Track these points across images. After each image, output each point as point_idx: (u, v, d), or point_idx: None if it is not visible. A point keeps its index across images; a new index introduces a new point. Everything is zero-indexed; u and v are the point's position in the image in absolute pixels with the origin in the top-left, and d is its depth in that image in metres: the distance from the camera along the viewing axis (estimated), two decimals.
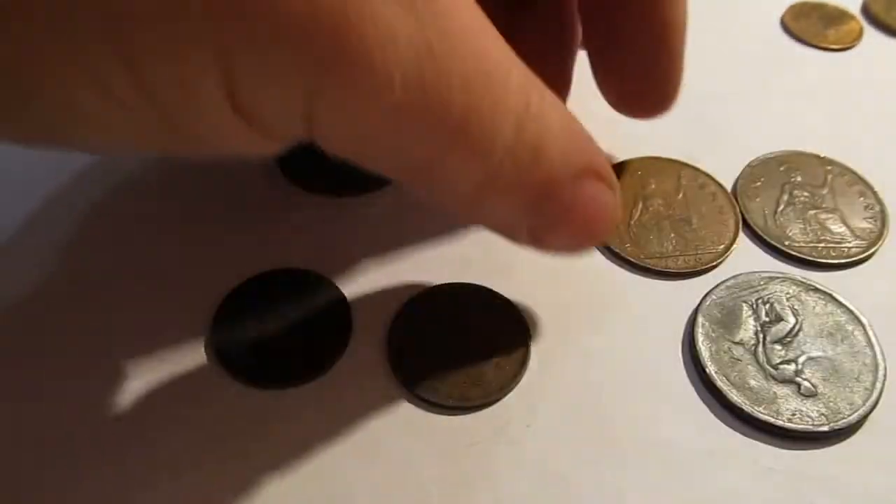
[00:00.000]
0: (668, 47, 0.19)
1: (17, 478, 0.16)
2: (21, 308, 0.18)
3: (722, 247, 0.20)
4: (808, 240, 0.20)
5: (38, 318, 0.18)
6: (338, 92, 0.11)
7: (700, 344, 0.18)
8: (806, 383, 0.17)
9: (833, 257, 0.20)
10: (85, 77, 0.10)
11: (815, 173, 0.22)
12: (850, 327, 0.18)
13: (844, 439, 0.16)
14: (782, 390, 0.17)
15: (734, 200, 0.21)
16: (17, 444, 0.16)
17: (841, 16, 0.29)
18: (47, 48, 0.10)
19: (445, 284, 0.19)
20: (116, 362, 0.17)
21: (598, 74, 0.21)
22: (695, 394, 0.17)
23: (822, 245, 0.20)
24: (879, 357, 0.17)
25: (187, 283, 0.19)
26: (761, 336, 0.18)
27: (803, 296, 0.19)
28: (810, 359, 0.17)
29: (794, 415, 0.16)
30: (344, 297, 0.19)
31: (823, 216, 0.21)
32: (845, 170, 0.22)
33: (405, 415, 0.17)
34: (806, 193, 0.21)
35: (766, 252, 0.20)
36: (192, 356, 0.18)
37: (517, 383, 0.17)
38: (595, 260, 0.20)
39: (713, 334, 0.18)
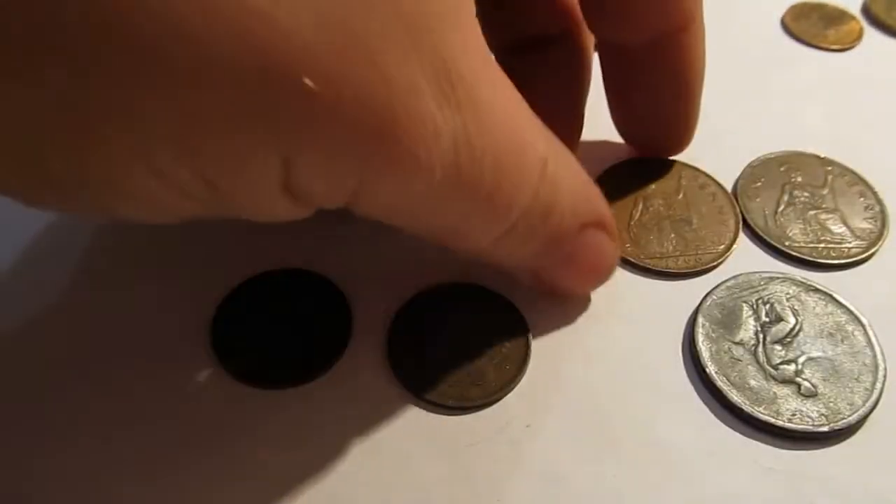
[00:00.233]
0: (686, 94, 0.20)
1: (17, 477, 0.16)
2: (21, 307, 0.18)
3: (722, 247, 0.20)
4: (808, 240, 0.20)
5: (39, 317, 0.18)
6: (385, 179, 0.12)
7: (700, 344, 0.18)
8: (806, 383, 0.17)
9: (833, 257, 0.20)
10: (149, 169, 0.11)
11: (816, 173, 0.22)
12: (850, 327, 0.18)
13: (844, 439, 0.16)
14: (782, 390, 0.17)
15: (734, 201, 0.21)
16: (16, 444, 0.16)
17: (841, 16, 0.29)
18: (118, 144, 0.10)
19: (445, 284, 0.19)
20: (116, 362, 0.17)
21: (616, 116, 0.22)
22: (695, 394, 0.17)
23: (822, 245, 0.20)
24: (879, 357, 0.17)
25: (187, 283, 0.19)
26: (761, 336, 0.18)
27: (803, 296, 0.19)
28: (810, 359, 0.17)
29: (794, 415, 0.16)
30: (344, 297, 0.19)
31: (823, 216, 0.21)
32: (845, 170, 0.22)
33: (405, 415, 0.17)
34: (806, 194, 0.21)
35: (767, 252, 0.20)
36: (192, 356, 0.18)
37: (517, 383, 0.17)
38: None
39: (713, 334, 0.18)
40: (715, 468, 0.16)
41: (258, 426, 0.16)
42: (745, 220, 0.21)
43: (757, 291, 0.19)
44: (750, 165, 0.22)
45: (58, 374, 0.17)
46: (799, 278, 0.19)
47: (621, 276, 0.20)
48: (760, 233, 0.20)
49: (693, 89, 0.20)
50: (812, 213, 0.21)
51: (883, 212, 0.21)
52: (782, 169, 0.22)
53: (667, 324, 0.18)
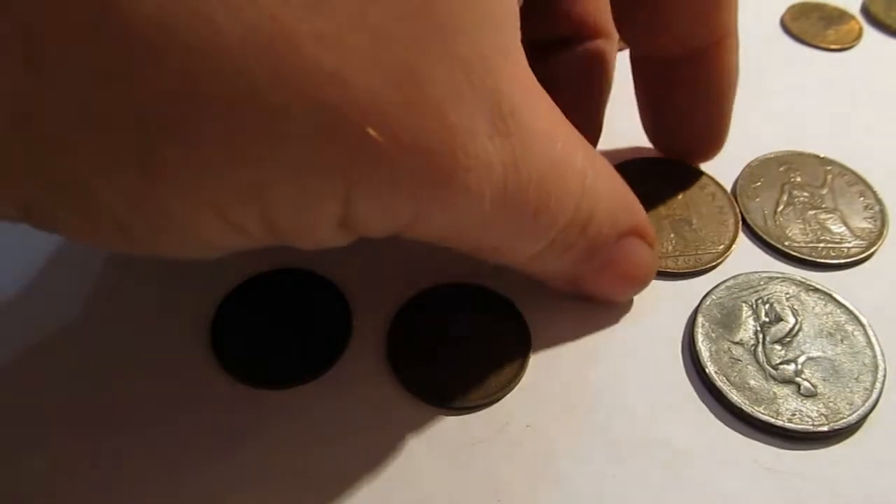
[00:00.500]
0: (719, 105, 0.20)
1: (18, 477, 0.16)
2: (21, 307, 0.18)
3: (722, 247, 0.20)
4: (807, 240, 0.20)
5: (39, 317, 0.18)
6: (437, 211, 0.13)
7: (700, 344, 0.18)
8: (806, 383, 0.17)
9: (833, 257, 0.20)
10: (217, 216, 0.11)
11: (815, 173, 0.22)
12: (849, 327, 0.18)
13: (844, 439, 0.16)
14: (782, 390, 0.17)
15: (734, 200, 0.21)
16: (16, 444, 0.16)
17: (841, 16, 0.29)
18: (191, 196, 0.11)
19: (445, 284, 0.19)
20: (116, 361, 0.17)
21: (648, 124, 0.22)
22: (695, 394, 0.17)
23: (822, 245, 0.20)
24: (879, 357, 0.17)
25: (187, 283, 0.19)
26: (761, 336, 0.18)
27: (803, 296, 0.19)
28: (810, 359, 0.17)
29: (794, 415, 0.16)
30: (344, 297, 0.19)
31: (823, 216, 0.21)
32: (845, 169, 0.22)
33: (405, 415, 0.17)
34: (806, 193, 0.21)
35: (766, 252, 0.20)
36: (192, 356, 0.18)
37: (517, 383, 0.17)
38: None
39: (713, 334, 0.18)
40: (715, 468, 0.16)
41: (258, 426, 0.16)
42: (744, 220, 0.21)
43: (756, 291, 0.19)
44: (749, 165, 0.22)
45: (58, 375, 0.17)
46: (798, 278, 0.19)
47: None
48: (760, 233, 0.20)
49: (726, 100, 0.20)
50: (812, 212, 0.21)
51: (882, 211, 0.21)
52: (782, 169, 0.22)
53: (667, 324, 0.18)
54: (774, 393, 0.17)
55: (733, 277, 0.19)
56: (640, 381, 0.17)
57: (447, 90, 0.11)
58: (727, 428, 0.17)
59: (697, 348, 0.18)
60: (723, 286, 0.19)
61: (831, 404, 0.17)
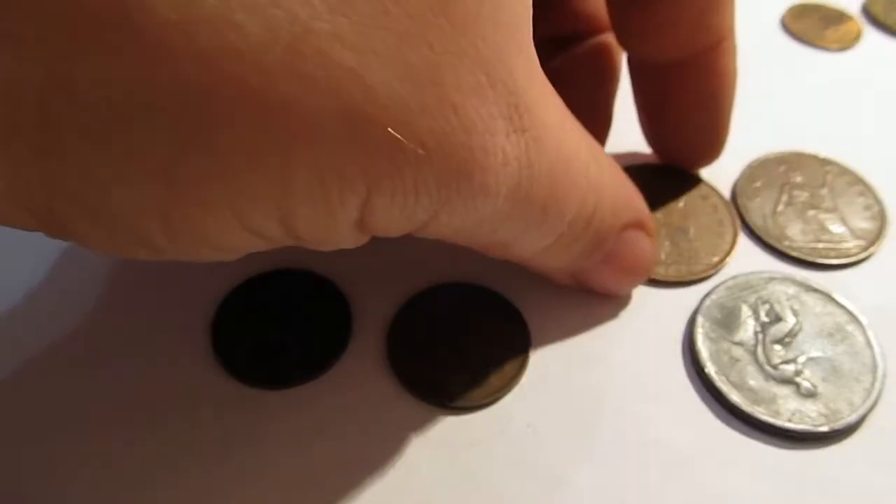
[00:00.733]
0: (718, 109, 0.20)
1: (18, 477, 0.16)
2: (20, 307, 0.18)
3: (716, 259, 0.20)
4: (807, 240, 0.20)
5: (38, 317, 0.18)
6: (454, 210, 0.13)
7: (700, 344, 0.18)
8: (805, 383, 0.17)
9: (833, 257, 0.20)
10: (239, 223, 0.11)
11: (815, 173, 0.22)
12: (849, 327, 0.18)
13: (844, 439, 0.16)
14: (782, 390, 0.17)
15: (736, 214, 0.21)
16: (16, 444, 0.16)
17: (841, 16, 0.29)
18: (215, 205, 0.11)
19: (445, 284, 0.19)
20: (116, 361, 0.17)
21: (646, 129, 0.22)
22: (695, 394, 0.17)
23: (822, 245, 0.20)
24: (879, 357, 0.17)
25: (187, 283, 0.19)
26: (761, 336, 0.18)
27: (803, 296, 0.19)
28: (810, 359, 0.17)
29: (793, 415, 0.16)
30: (344, 297, 0.19)
31: (823, 216, 0.21)
32: (844, 170, 0.22)
33: (405, 415, 0.17)
34: (805, 193, 0.21)
35: (766, 252, 0.20)
36: (193, 356, 0.18)
37: (517, 383, 0.17)
38: None
39: (713, 335, 0.18)
40: (715, 468, 0.16)
41: (258, 426, 0.16)
42: (744, 221, 0.21)
43: (756, 291, 0.19)
44: (749, 165, 0.22)
45: (57, 375, 0.17)
46: (798, 278, 0.19)
47: None
48: (759, 233, 0.20)
49: (725, 104, 0.20)
50: (811, 212, 0.21)
51: (882, 211, 0.21)
52: (781, 169, 0.22)
53: (666, 324, 0.19)
54: (774, 393, 0.17)
55: (733, 278, 0.19)
56: (640, 381, 0.17)
57: (469, 90, 0.11)
58: (727, 428, 0.17)
59: (697, 348, 0.18)
60: (722, 286, 0.19)
61: (831, 404, 0.17)
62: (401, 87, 0.11)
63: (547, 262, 0.17)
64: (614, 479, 0.16)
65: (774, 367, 0.17)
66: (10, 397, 0.17)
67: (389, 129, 0.11)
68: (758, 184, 0.22)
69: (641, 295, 0.19)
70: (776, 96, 0.25)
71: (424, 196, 0.12)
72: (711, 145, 0.21)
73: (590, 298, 0.19)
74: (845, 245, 0.20)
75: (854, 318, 0.18)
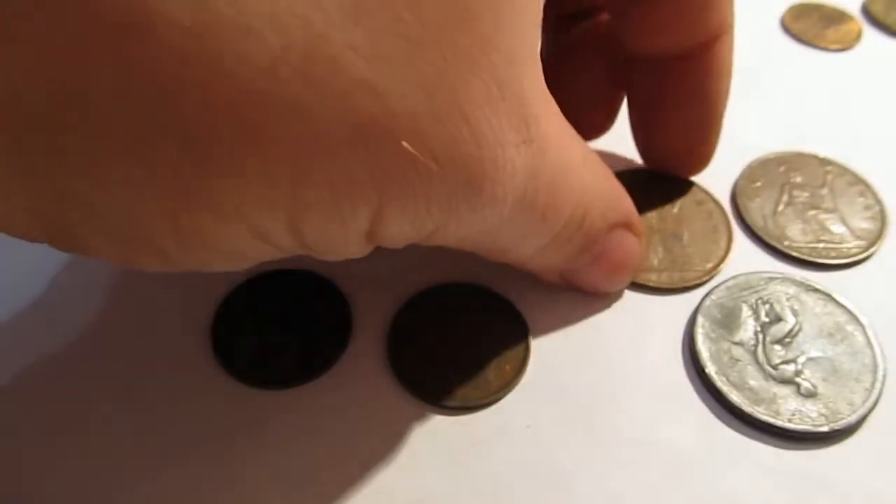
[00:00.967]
0: (712, 108, 0.20)
1: (17, 477, 0.16)
2: (20, 307, 0.18)
3: (710, 265, 0.20)
4: (807, 240, 0.20)
5: (38, 317, 0.18)
6: (462, 221, 0.13)
7: (700, 344, 0.18)
8: (806, 383, 0.17)
9: (833, 257, 0.20)
10: (251, 232, 0.11)
11: (815, 173, 0.22)
12: (849, 327, 0.18)
13: (844, 439, 0.16)
14: (782, 390, 0.17)
15: (730, 221, 0.21)
16: (16, 444, 0.16)
17: (841, 16, 0.29)
18: (226, 213, 0.11)
19: (445, 284, 0.19)
20: (116, 361, 0.17)
21: (637, 132, 0.21)
22: (695, 394, 0.17)
23: (822, 245, 0.20)
24: (879, 357, 0.17)
25: (188, 284, 0.19)
26: (761, 336, 0.18)
27: (803, 296, 0.19)
28: (810, 359, 0.17)
29: (793, 415, 0.16)
30: (344, 297, 0.19)
31: (823, 216, 0.21)
32: (844, 170, 0.22)
33: (405, 415, 0.17)
34: (805, 194, 0.21)
35: (766, 252, 0.20)
36: (193, 356, 0.18)
37: (517, 383, 0.17)
38: None
39: (713, 335, 0.18)
40: (715, 468, 0.16)
41: (258, 426, 0.16)
42: (744, 221, 0.21)
43: (756, 291, 0.19)
44: (749, 165, 0.22)
45: (57, 375, 0.17)
46: (798, 278, 0.19)
47: None
48: (760, 233, 0.20)
49: (719, 101, 0.20)
50: (811, 213, 0.21)
51: (882, 211, 0.21)
52: (781, 169, 0.22)
53: (666, 324, 0.19)
54: (774, 393, 0.17)
55: (733, 278, 0.19)
56: (640, 381, 0.17)
57: (482, 101, 0.11)
58: (727, 428, 0.17)
59: (697, 348, 0.18)
60: (722, 286, 0.19)
61: (831, 404, 0.17)
62: (413, 96, 0.11)
63: (540, 263, 0.17)
64: (614, 479, 0.16)
65: (774, 367, 0.17)
66: (10, 397, 0.17)
67: (404, 143, 0.11)
68: (758, 184, 0.22)
69: (642, 295, 0.19)
70: (776, 96, 0.25)
71: (435, 208, 0.12)
72: (703, 147, 0.21)
73: (590, 299, 0.19)
74: (845, 245, 0.20)
75: (854, 318, 0.18)
